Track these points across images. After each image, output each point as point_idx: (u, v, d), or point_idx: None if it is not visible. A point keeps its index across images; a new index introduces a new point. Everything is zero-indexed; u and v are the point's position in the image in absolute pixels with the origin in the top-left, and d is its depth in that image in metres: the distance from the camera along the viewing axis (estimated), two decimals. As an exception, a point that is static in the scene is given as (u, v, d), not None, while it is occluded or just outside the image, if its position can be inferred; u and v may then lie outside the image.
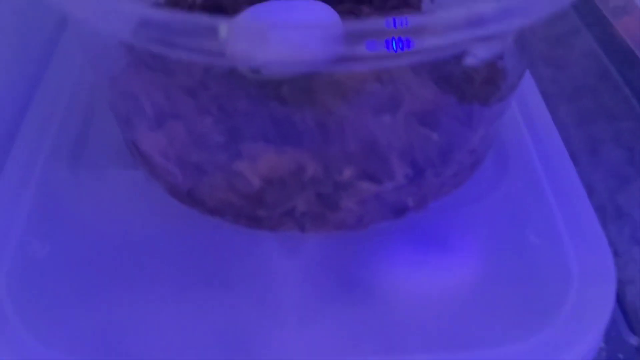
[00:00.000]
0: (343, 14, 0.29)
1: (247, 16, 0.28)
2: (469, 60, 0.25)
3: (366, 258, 0.26)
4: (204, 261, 0.26)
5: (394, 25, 0.17)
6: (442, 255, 0.26)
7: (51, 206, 0.27)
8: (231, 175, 0.24)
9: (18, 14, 0.31)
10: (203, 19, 0.19)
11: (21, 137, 0.29)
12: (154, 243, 0.26)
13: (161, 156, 0.25)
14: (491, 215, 0.27)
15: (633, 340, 0.30)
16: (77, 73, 0.32)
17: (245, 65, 0.27)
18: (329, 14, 0.29)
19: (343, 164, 0.23)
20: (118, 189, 0.28)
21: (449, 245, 0.26)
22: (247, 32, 0.27)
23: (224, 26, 0.19)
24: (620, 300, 0.31)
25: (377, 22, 0.17)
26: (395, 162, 0.23)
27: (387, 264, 0.26)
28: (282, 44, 0.28)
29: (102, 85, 0.29)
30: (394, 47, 0.18)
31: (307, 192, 0.24)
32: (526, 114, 0.31)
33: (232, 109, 0.27)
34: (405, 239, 0.26)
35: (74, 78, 0.31)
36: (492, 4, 0.18)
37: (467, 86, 0.25)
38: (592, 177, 0.37)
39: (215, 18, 0.19)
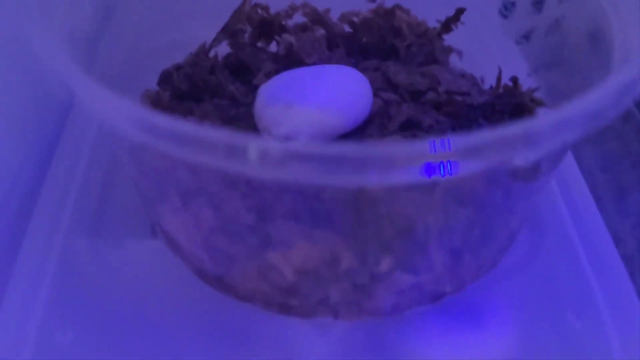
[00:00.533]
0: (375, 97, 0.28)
1: (275, 84, 0.27)
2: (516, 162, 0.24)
3: (401, 341, 0.25)
4: (231, 343, 0.25)
5: (435, 149, 0.16)
6: (478, 337, 0.25)
7: (72, 286, 0.26)
8: (263, 266, 0.23)
9: (34, 82, 0.30)
10: (230, 137, 0.17)
11: (39, 210, 0.28)
12: (179, 323, 0.25)
13: (187, 240, 0.24)
14: (528, 292, 0.26)
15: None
16: (95, 139, 0.31)
17: (272, 136, 0.26)
18: (355, 80, 0.28)
19: (380, 254, 0.22)
20: (141, 262, 0.27)
21: (485, 326, 0.26)
22: (271, 110, 0.27)
23: (254, 146, 0.17)
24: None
25: (418, 147, 0.16)
26: (433, 249, 0.23)
27: (422, 347, 0.25)
28: (304, 121, 0.27)
29: (121, 155, 0.28)
30: (438, 173, 0.16)
31: (342, 283, 0.23)
32: (560, 180, 0.30)
33: (261, 183, 0.27)
34: (441, 321, 0.25)
35: (91, 144, 0.30)
36: (543, 119, 0.17)
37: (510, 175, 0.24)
38: (618, 225, 0.36)
39: (244, 136, 0.16)
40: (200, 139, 0.17)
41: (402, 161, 0.16)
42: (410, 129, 0.28)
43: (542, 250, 0.27)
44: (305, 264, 0.22)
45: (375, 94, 0.28)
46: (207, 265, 0.24)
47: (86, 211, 0.28)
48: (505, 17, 0.36)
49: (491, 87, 0.31)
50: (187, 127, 0.17)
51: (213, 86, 0.30)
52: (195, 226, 0.23)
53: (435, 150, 0.16)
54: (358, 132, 0.28)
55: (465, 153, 0.16)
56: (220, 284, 0.25)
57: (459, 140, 0.16)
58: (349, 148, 0.16)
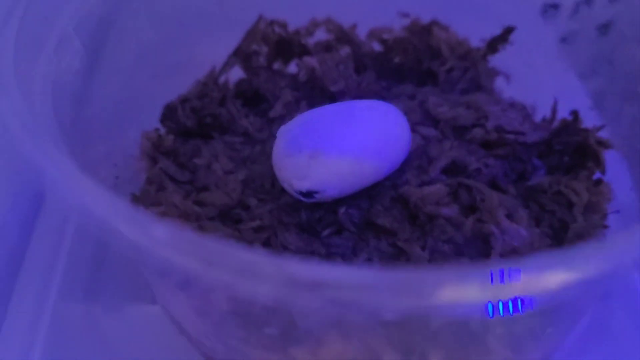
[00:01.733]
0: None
1: (296, 128, 0.23)
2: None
3: None
4: None
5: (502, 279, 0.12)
6: None
7: (64, 354, 0.23)
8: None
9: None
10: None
11: (26, 271, 0.24)
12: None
13: (194, 327, 0.20)
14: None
15: None
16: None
17: (294, 190, 0.22)
18: (392, 120, 0.23)
19: (430, 350, 0.18)
20: (140, 330, 0.24)
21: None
22: (292, 160, 0.23)
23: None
24: None
25: (477, 276, 0.12)
26: (492, 341, 0.19)
27: None
28: (332, 172, 0.23)
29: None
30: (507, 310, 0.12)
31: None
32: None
33: (284, 243, 0.23)
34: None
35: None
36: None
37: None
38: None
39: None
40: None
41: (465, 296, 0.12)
42: (455, 173, 0.24)
43: (612, 328, 0.23)
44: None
45: (413, 129, 0.24)
46: (217, 356, 0.20)
47: (79, 272, 0.25)
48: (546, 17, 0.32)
49: (544, 119, 0.27)
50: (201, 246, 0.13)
51: (224, 120, 0.26)
52: (204, 312, 0.19)
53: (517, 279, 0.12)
54: (393, 178, 0.24)
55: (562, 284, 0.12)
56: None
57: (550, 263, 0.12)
58: (401, 274, 0.12)
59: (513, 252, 0.21)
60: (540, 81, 0.29)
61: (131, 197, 0.24)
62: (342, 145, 0.22)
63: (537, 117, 0.27)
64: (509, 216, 0.22)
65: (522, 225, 0.22)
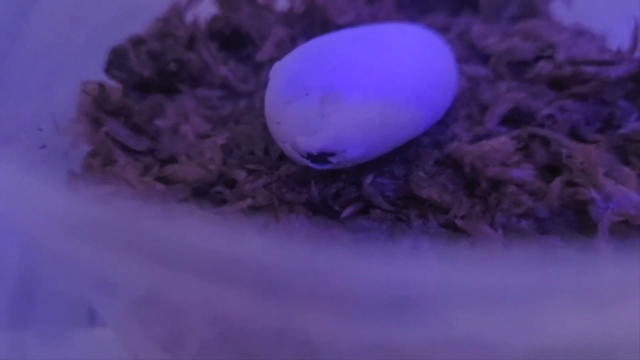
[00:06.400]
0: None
1: (298, 61, 0.16)
2: None
3: None
4: None
5: None
6: None
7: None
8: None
9: None
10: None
11: None
12: None
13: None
14: None
15: None
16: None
17: (299, 152, 0.15)
18: (433, 49, 0.17)
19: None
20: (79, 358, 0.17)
21: None
22: (295, 107, 0.16)
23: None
24: None
25: None
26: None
27: None
28: (353, 124, 0.16)
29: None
30: None
31: None
32: None
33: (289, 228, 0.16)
34: None
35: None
36: None
37: None
38: None
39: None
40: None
41: None
42: (518, 124, 0.17)
43: None
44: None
45: (454, 69, 0.18)
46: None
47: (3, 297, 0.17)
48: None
49: (619, 51, 0.20)
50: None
51: (194, 68, 0.19)
52: (175, 342, 0.12)
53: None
54: (434, 134, 0.17)
55: None
56: None
57: None
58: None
59: (625, 225, 0.15)
60: (600, 7, 0.23)
61: (68, 175, 0.17)
62: (368, 84, 0.15)
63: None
64: (608, 176, 0.16)
65: (631, 186, 0.15)
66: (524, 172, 0.16)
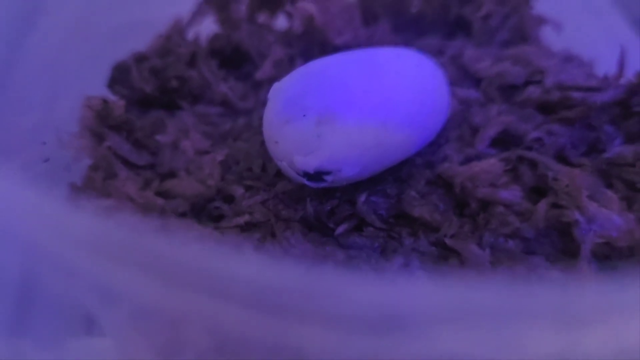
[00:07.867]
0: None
1: (297, 83, 0.16)
2: None
3: None
4: None
5: None
6: None
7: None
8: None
9: None
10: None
11: None
12: None
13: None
14: None
15: None
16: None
17: (296, 171, 0.16)
18: (427, 72, 0.17)
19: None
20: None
21: None
22: (293, 128, 0.16)
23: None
24: None
25: None
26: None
27: None
28: (348, 144, 0.17)
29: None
30: None
31: None
32: None
33: (284, 245, 0.16)
34: None
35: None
36: None
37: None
38: None
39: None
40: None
41: None
42: (507, 146, 0.18)
43: None
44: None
45: (446, 92, 0.18)
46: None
47: (3, 305, 0.18)
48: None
49: (605, 77, 0.21)
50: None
51: (195, 85, 0.20)
52: (171, 352, 0.13)
53: None
54: (426, 154, 0.18)
55: None
56: None
57: None
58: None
59: (607, 247, 0.15)
60: (588, 33, 0.23)
61: (69, 188, 0.17)
62: (363, 106, 0.16)
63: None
64: (592, 198, 0.16)
65: (613, 209, 0.16)
66: (512, 194, 0.16)
